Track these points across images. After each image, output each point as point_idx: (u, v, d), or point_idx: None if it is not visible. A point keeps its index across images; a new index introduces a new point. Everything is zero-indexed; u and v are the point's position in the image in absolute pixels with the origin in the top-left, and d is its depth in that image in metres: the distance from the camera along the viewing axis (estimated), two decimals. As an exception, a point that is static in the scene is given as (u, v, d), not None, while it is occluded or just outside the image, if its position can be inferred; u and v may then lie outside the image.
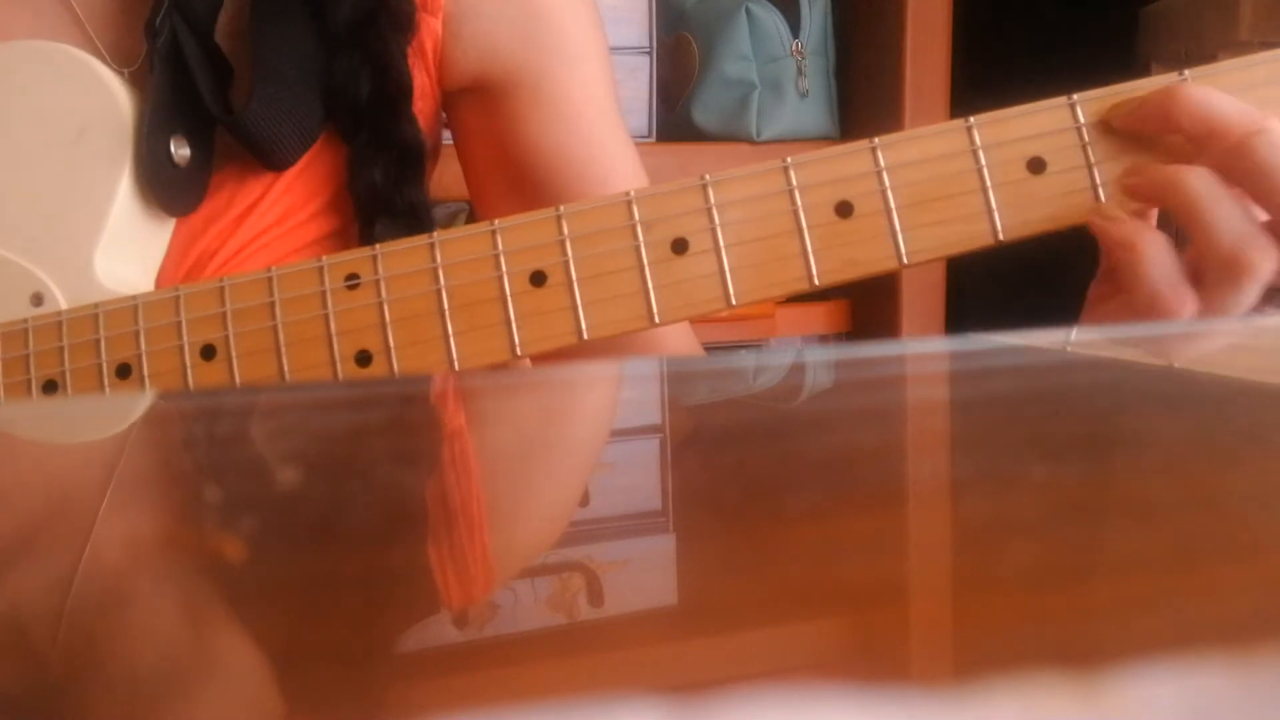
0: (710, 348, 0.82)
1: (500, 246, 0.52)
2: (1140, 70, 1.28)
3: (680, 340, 0.70)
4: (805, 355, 0.46)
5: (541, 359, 0.54)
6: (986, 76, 1.34)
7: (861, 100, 1.26)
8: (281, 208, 0.63)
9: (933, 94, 1.17)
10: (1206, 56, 1.18)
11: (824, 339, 1.29)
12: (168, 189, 0.59)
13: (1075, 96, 0.50)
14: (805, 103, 1.22)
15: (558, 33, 0.67)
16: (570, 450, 0.28)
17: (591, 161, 0.67)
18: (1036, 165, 0.50)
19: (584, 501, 0.23)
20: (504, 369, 0.53)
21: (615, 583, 0.17)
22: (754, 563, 0.17)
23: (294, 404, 0.36)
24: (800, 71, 1.22)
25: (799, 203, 0.50)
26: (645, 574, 0.18)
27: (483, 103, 0.68)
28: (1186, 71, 0.49)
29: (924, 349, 0.44)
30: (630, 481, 0.24)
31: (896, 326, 1.18)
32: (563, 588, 0.17)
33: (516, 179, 0.68)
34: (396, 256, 0.53)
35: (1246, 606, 0.14)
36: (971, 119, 0.50)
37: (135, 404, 0.41)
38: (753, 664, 0.13)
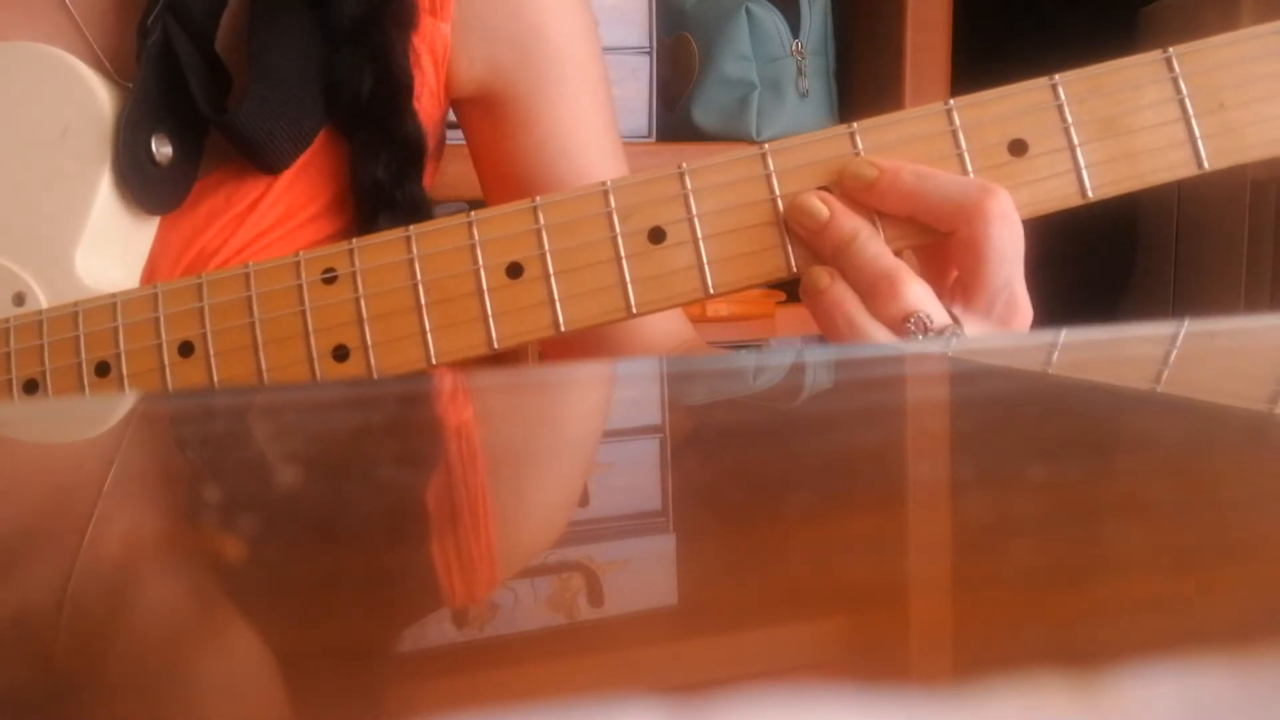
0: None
1: (476, 237, 0.51)
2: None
3: (675, 332, 0.70)
4: (805, 355, 0.46)
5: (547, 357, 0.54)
6: (986, 77, 1.34)
7: (861, 100, 1.26)
8: (283, 207, 0.63)
9: (933, 94, 1.16)
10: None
11: (824, 339, 1.29)
12: (148, 187, 0.59)
13: (1057, 77, 0.49)
14: (805, 103, 1.22)
15: (555, 52, 0.67)
16: (570, 446, 0.28)
17: (577, 181, 0.68)
18: (1018, 147, 0.49)
19: (584, 501, 0.23)
20: (503, 367, 0.53)
21: (615, 583, 0.17)
22: (754, 563, 0.17)
23: (292, 404, 0.36)
24: (800, 71, 1.22)
25: (777, 190, 0.50)
26: (645, 574, 0.18)
27: (485, 113, 0.68)
28: (1172, 49, 0.49)
29: (924, 349, 0.44)
30: (630, 481, 0.24)
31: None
32: (563, 588, 0.17)
33: (511, 191, 0.69)
34: (373, 250, 0.52)
35: (1246, 606, 0.14)
36: (951, 101, 0.50)
37: (129, 404, 0.42)
38: (753, 664, 0.13)
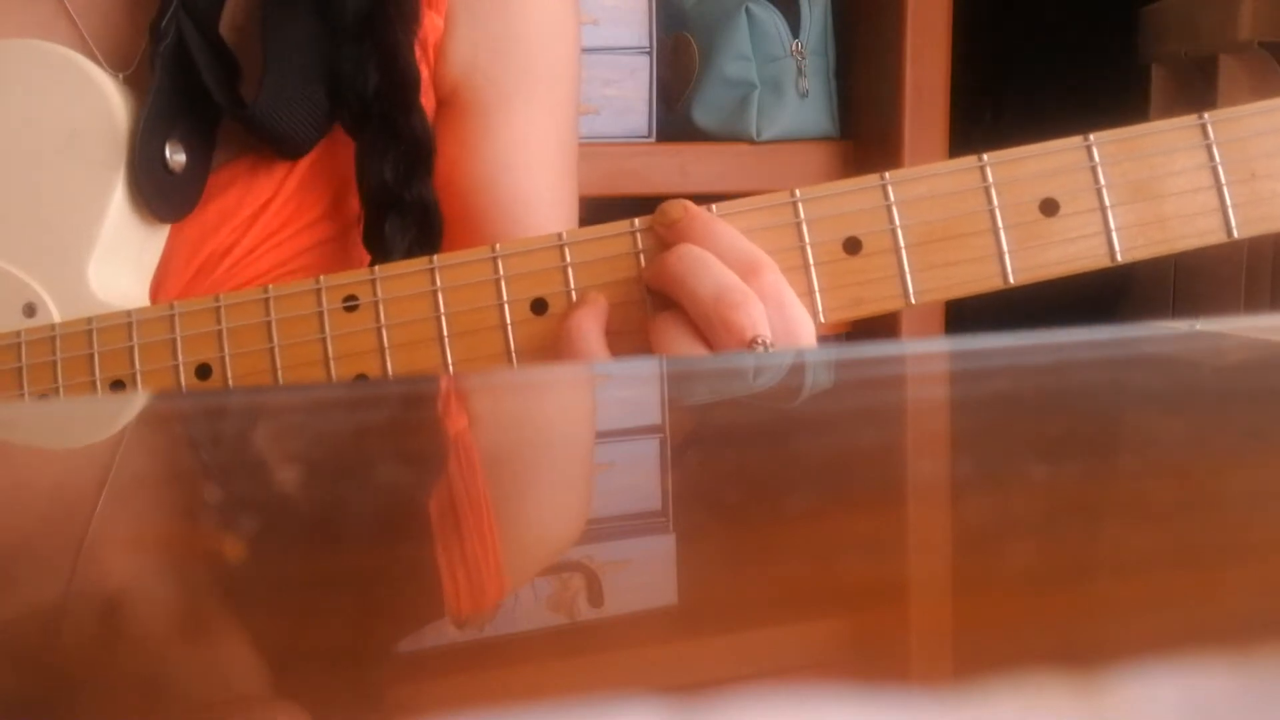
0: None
1: (501, 271, 0.51)
2: (1140, 70, 1.27)
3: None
4: (805, 355, 0.46)
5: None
6: (987, 76, 1.34)
7: (861, 100, 1.26)
8: (293, 206, 0.63)
9: (933, 94, 1.16)
10: (1206, 56, 1.18)
11: (824, 339, 1.29)
12: (162, 196, 0.59)
13: (1091, 137, 0.49)
14: (805, 103, 1.22)
15: (527, 60, 0.66)
16: (576, 449, 0.28)
17: (514, 203, 0.66)
18: (1049, 206, 0.49)
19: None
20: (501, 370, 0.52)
21: (615, 583, 0.17)
22: (754, 563, 0.17)
23: (293, 405, 0.36)
24: (800, 71, 1.22)
25: (807, 238, 0.50)
26: (645, 574, 0.18)
27: (448, 118, 0.67)
28: (1206, 115, 0.49)
29: (924, 349, 0.44)
30: (630, 481, 0.24)
31: (896, 326, 1.18)
32: (563, 588, 0.17)
33: (449, 201, 0.67)
34: (396, 280, 0.52)
35: (1246, 606, 0.14)
36: (985, 156, 0.49)
37: (138, 404, 0.41)
38: (753, 664, 0.13)
